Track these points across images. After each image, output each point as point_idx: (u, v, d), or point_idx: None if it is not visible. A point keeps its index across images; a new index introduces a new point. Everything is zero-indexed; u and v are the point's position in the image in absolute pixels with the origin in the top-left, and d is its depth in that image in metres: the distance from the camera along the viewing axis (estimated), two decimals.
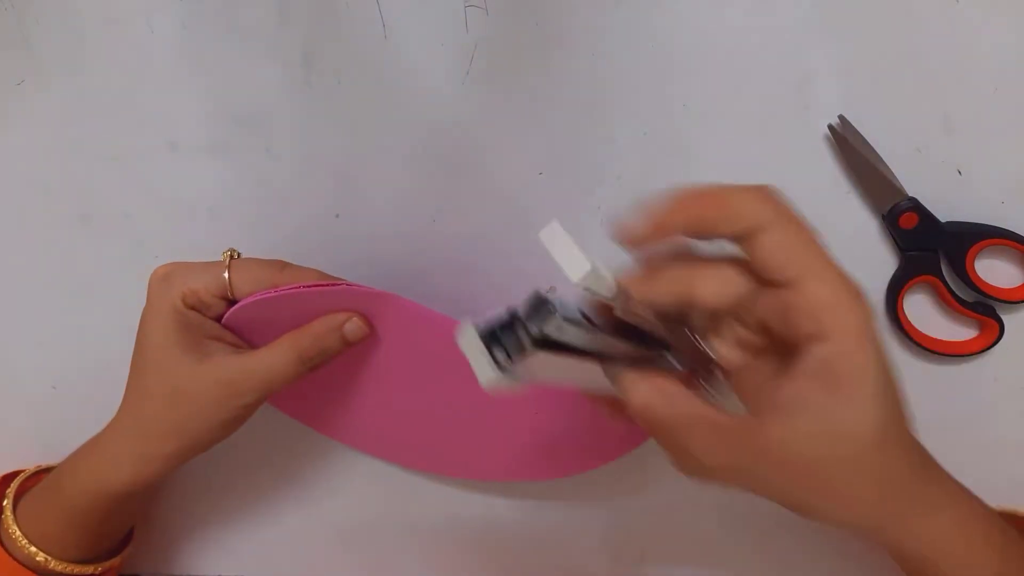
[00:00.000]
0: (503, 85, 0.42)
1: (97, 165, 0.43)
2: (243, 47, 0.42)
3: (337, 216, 0.43)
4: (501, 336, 0.25)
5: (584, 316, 0.26)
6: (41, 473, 0.43)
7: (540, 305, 0.24)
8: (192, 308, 0.37)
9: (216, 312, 0.38)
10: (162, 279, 0.38)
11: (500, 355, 0.24)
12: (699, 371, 0.31)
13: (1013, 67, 0.40)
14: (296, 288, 0.37)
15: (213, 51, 0.42)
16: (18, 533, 0.39)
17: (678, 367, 0.31)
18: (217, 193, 0.43)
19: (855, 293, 0.28)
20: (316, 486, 0.46)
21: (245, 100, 0.42)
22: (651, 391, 0.28)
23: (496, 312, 0.25)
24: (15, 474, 0.42)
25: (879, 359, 0.27)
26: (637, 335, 0.29)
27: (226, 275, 0.37)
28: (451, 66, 0.41)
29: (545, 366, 0.25)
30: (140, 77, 0.42)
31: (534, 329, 0.24)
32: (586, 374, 0.28)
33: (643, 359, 0.30)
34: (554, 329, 0.24)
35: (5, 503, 0.40)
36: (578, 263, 0.24)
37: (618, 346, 0.28)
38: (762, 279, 0.28)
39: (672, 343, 0.30)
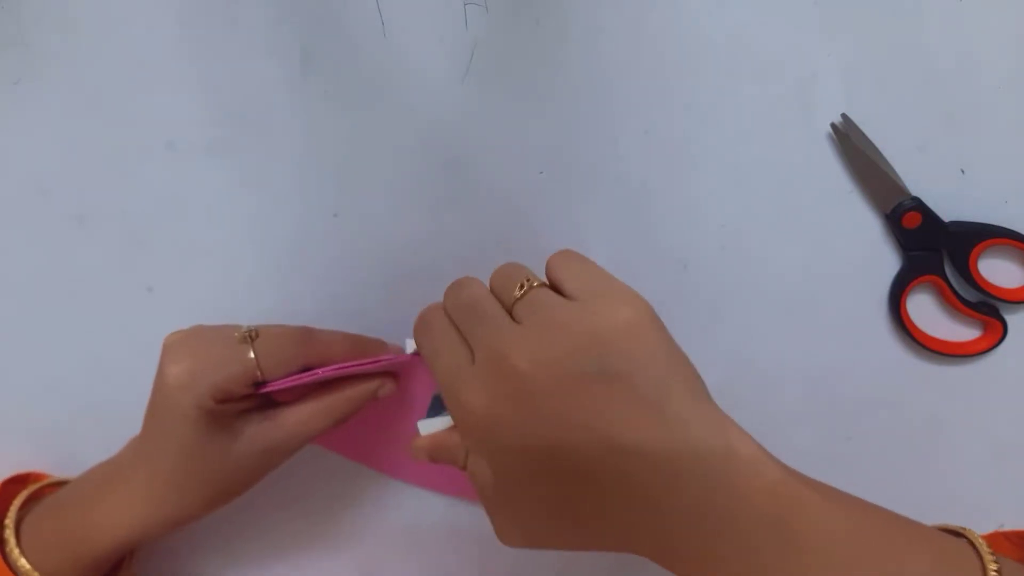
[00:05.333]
0: (503, 84, 0.41)
1: (94, 164, 0.43)
2: (241, 45, 0.41)
3: (335, 215, 0.43)
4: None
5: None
6: (44, 489, 0.42)
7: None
8: (223, 401, 0.36)
9: (246, 393, 0.37)
10: (185, 385, 0.36)
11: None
12: None
13: (1016, 66, 0.40)
14: (330, 371, 0.38)
15: (210, 49, 0.42)
16: (28, 567, 0.38)
17: None
18: (215, 192, 0.43)
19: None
20: (312, 488, 0.46)
21: (243, 98, 0.42)
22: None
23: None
24: (13, 486, 0.41)
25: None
26: None
27: (251, 355, 0.36)
28: (450, 64, 0.41)
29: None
30: (137, 76, 0.42)
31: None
32: None
33: None
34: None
35: (7, 521, 0.39)
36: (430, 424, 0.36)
37: None
38: None
39: None
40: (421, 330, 0.34)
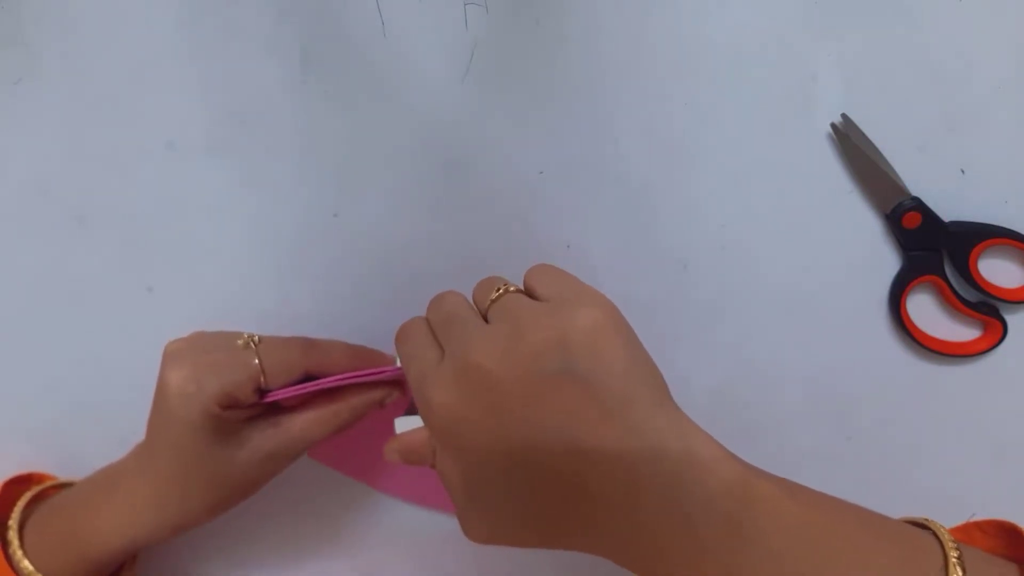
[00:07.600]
0: (503, 84, 0.41)
1: (94, 165, 0.43)
2: (241, 45, 0.42)
3: (335, 215, 0.43)
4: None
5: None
6: (48, 490, 0.42)
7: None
8: (229, 407, 0.36)
9: (252, 402, 0.37)
10: (190, 392, 0.36)
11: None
12: None
13: (1016, 66, 0.40)
14: (333, 380, 0.38)
15: (211, 49, 0.42)
16: (31, 569, 0.38)
17: None
18: (215, 192, 0.43)
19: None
20: (312, 491, 0.46)
21: (243, 99, 0.42)
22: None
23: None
24: (16, 487, 0.41)
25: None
26: None
27: (256, 361, 0.37)
28: (450, 65, 0.41)
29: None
30: (138, 76, 0.42)
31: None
32: None
33: None
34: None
35: (11, 523, 0.39)
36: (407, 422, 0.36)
37: None
38: None
39: None
40: (401, 338, 0.35)
